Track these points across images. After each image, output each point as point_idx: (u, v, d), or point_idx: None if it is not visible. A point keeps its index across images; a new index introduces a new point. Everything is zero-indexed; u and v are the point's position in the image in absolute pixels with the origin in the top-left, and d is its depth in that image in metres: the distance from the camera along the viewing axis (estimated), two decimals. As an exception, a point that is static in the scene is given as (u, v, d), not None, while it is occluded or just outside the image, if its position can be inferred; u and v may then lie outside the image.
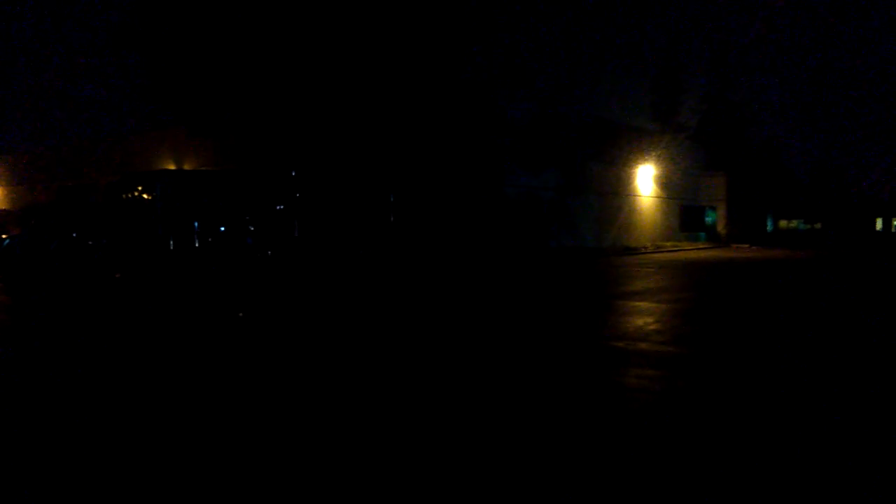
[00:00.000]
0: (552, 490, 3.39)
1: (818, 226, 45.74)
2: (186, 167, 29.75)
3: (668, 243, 35.34)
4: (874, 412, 4.75)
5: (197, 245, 16.14)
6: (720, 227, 40.53)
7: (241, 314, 9.00)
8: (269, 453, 3.92)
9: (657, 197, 35.96)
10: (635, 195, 34.20)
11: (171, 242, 15.86)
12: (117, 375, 6.01)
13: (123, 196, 16.71)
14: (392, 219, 22.73)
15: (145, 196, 16.37)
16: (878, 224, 46.39)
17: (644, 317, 9.31)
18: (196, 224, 16.17)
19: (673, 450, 3.97)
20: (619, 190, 32.94)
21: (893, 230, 46.28)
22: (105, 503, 3.29)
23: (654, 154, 34.98)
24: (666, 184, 36.42)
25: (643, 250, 30.11)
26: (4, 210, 31.85)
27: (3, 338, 8.37)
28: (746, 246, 35.96)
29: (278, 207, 18.38)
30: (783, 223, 46.07)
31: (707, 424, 4.47)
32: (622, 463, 3.77)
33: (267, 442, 4.13)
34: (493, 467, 3.68)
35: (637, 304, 10.89)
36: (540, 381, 5.70)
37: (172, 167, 29.96)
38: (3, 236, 19.74)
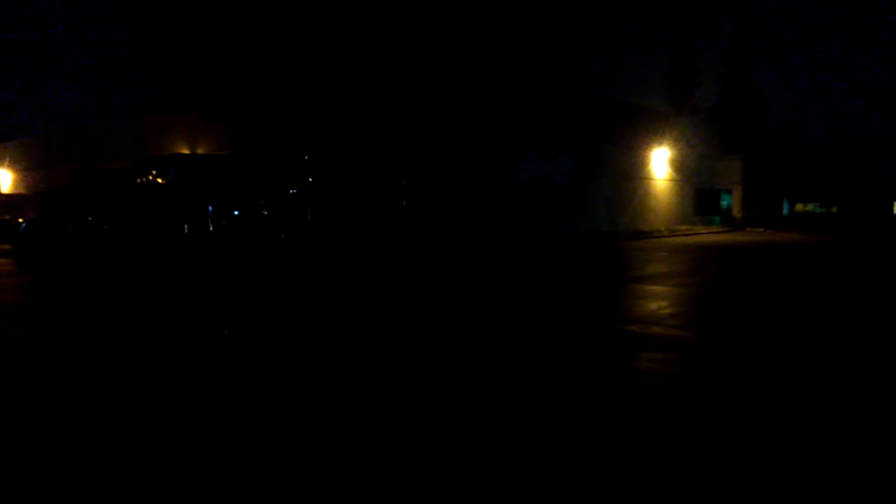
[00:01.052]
0: (559, 472, 3.39)
1: (834, 209, 45.32)
2: (200, 151, 29.84)
3: (683, 227, 35.15)
4: (891, 399, 4.72)
5: (211, 229, 16.21)
6: (735, 211, 40.23)
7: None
8: (284, 432, 3.95)
9: (672, 180, 35.71)
10: (650, 178, 33.97)
11: (186, 226, 15.93)
12: (128, 360, 6.07)
13: (138, 180, 16.77)
14: (404, 203, 22.71)
15: (160, 180, 16.42)
16: (896, 208, 45.90)
17: (658, 301, 9.28)
18: (210, 208, 16.23)
19: (683, 434, 3.97)
20: (634, 173, 32.73)
21: (911, 214, 45.76)
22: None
23: (668, 136, 34.68)
24: (681, 167, 36.14)
25: (657, 234, 29.97)
26: (21, 194, 32.12)
27: (19, 319, 8.47)
28: (761, 230, 35.70)
29: (291, 191, 18.39)
30: (799, 206, 45.69)
31: (718, 409, 4.46)
32: (630, 446, 3.77)
33: (281, 421, 4.16)
34: (499, 447, 3.69)
35: (651, 287, 10.85)
36: (552, 364, 5.70)
37: (186, 151, 30.07)
38: (20, 220, 19.92)
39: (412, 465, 3.48)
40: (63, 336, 7.22)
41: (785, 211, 44.33)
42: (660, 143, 34.14)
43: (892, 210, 45.67)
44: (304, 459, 3.56)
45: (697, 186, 38.50)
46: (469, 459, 3.56)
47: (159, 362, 5.88)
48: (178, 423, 4.20)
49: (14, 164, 40.33)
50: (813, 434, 3.93)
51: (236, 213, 16.83)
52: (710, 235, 30.14)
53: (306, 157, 19.01)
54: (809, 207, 45.81)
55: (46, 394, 4.91)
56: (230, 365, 5.76)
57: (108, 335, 7.21)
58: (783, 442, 3.78)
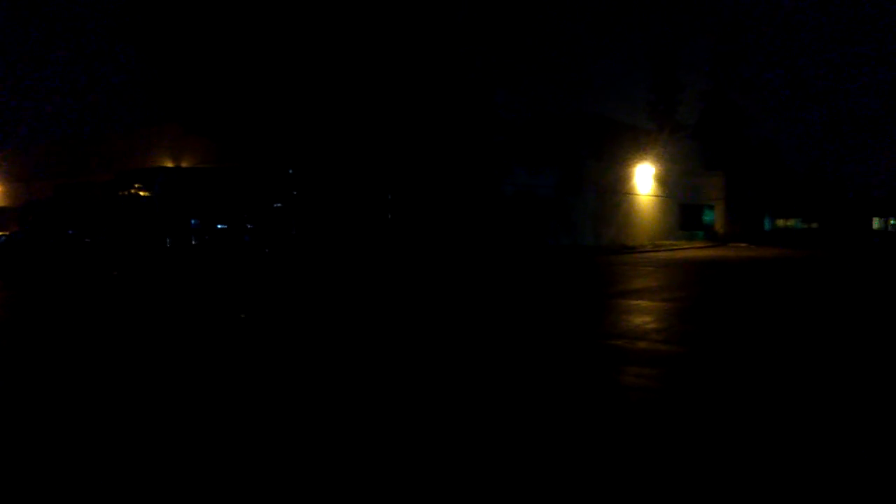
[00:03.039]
0: (548, 487, 3.38)
1: (815, 225, 45.83)
2: (184, 164, 29.70)
3: (667, 242, 35.39)
4: (872, 411, 4.75)
5: (194, 242, 16.11)
6: (718, 226, 40.58)
7: (242, 315, 8.99)
8: (268, 450, 3.91)
9: (655, 195, 35.99)
10: (633, 193, 34.22)
11: (169, 240, 15.83)
12: (109, 372, 5.99)
13: (121, 193, 16.69)
14: (389, 217, 22.71)
15: (143, 193, 16.35)
16: (875, 223, 46.49)
17: (643, 315, 9.32)
18: (194, 221, 16.15)
19: (670, 448, 3.97)
20: (618, 188, 32.95)
21: (890, 230, 46.36)
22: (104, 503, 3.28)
23: (652, 152, 35.00)
24: (664, 182, 36.44)
25: (641, 249, 30.13)
26: (2, 207, 31.79)
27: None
28: (744, 245, 36.00)
29: (276, 205, 18.35)
30: (781, 222, 46.18)
31: (704, 423, 4.47)
32: (618, 460, 3.76)
33: (265, 439, 4.12)
34: (489, 464, 3.67)
35: (635, 302, 10.89)
36: (538, 379, 5.69)
37: (170, 164, 29.90)
38: (1, 233, 19.70)
39: (395, 484, 3.45)
40: (39, 351, 7.12)
41: (767, 226, 44.81)
42: (643, 159, 34.44)
43: (870, 225, 46.26)
44: (283, 479, 3.53)
45: (681, 202, 38.83)
46: (460, 476, 3.54)
47: (139, 377, 5.81)
48: (146, 436, 4.15)
49: (-5, 176, 39.92)
50: (796, 446, 3.95)
51: (220, 226, 16.75)
52: (693, 250, 30.35)
53: (291, 171, 18.99)
54: (791, 223, 46.33)
55: (22, 407, 4.84)
56: (208, 377, 5.70)
57: (86, 350, 7.12)
58: (767, 455, 3.79)
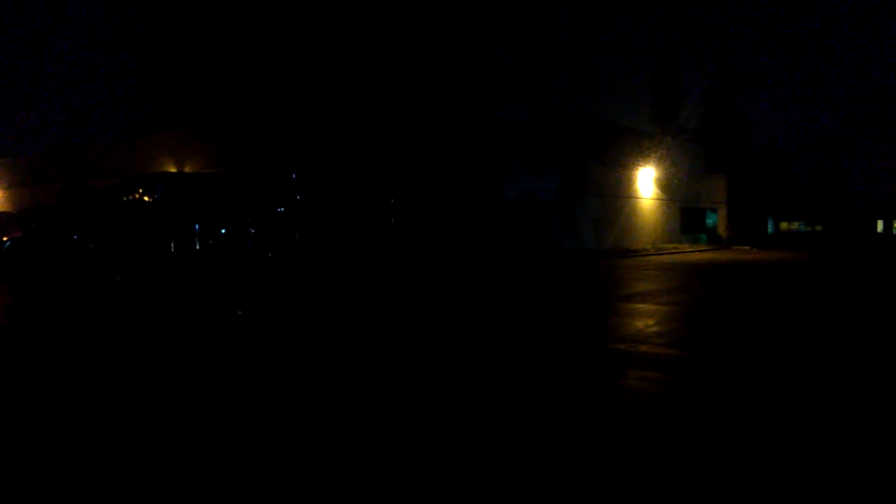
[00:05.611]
0: (549, 492, 3.39)
1: (819, 228, 45.75)
2: (187, 169, 29.77)
3: (669, 245, 35.38)
4: (873, 416, 4.75)
5: (198, 247, 16.15)
6: (721, 229, 40.53)
7: (239, 313, 9.01)
8: (269, 455, 3.92)
9: (658, 199, 35.96)
10: (636, 197, 34.20)
11: (172, 245, 15.87)
12: (115, 377, 6.01)
13: (124, 198, 16.72)
14: (392, 221, 22.73)
15: (146, 198, 16.38)
16: (879, 226, 46.38)
17: (645, 319, 9.31)
18: (197, 226, 16.19)
19: (672, 453, 3.97)
20: (620, 192, 32.94)
21: (894, 232, 46.23)
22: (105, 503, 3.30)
23: (654, 156, 35.00)
24: (667, 186, 36.43)
25: (644, 252, 30.12)
26: (5, 212, 31.87)
27: (3, 339, 8.38)
28: (747, 248, 35.96)
29: (279, 210, 18.39)
30: (784, 225, 46.10)
31: (706, 428, 4.47)
32: (620, 465, 3.77)
33: (266, 444, 4.13)
34: (490, 469, 3.68)
35: (638, 306, 10.89)
36: (539, 383, 5.70)
37: (174, 169, 29.98)
38: (4, 238, 19.77)
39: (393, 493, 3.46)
40: (45, 359, 7.14)
41: (770, 229, 44.74)
42: (646, 163, 34.43)
43: (875, 228, 46.17)
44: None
45: (683, 205, 38.80)
46: (458, 480, 3.55)
47: (144, 386, 5.83)
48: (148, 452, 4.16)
49: (-1, 181, 40.06)
50: (800, 454, 3.95)
51: (223, 231, 16.79)
52: (696, 254, 30.32)
53: (294, 176, 19.02)
54: (794, 226, 46.25)
55: (25, 421, 4.85)
56: (208, 379, 5.72)
57: (91, 357, 7.14)
58: (772, 462, 3.79)
